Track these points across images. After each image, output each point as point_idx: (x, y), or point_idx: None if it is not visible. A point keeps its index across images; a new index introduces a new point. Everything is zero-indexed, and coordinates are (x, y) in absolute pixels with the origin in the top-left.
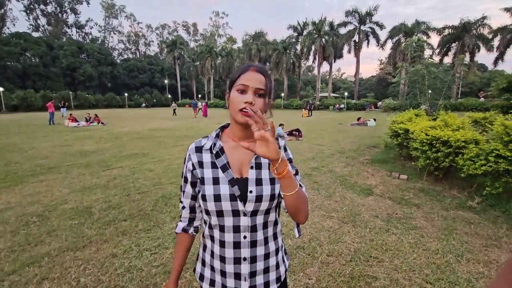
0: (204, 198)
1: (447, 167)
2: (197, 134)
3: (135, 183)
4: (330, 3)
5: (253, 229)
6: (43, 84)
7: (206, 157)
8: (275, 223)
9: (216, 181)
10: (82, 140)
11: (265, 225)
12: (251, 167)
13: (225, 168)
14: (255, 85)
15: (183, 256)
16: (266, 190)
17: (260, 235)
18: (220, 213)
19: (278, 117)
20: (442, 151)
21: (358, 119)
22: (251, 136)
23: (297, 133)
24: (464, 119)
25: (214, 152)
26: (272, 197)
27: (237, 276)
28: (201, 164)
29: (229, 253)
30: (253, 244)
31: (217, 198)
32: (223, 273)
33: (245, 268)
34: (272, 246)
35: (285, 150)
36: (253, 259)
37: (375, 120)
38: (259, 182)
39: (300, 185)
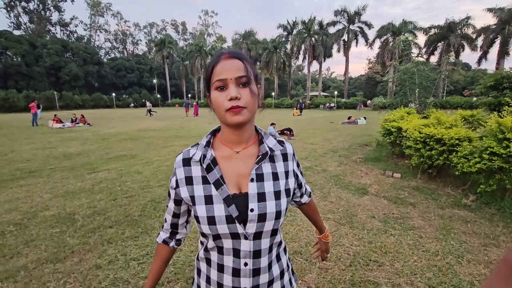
0: (197, 220)
1: (441, 165)
2: (188, 135)
3: (122, 187)
4: (320, 2)
5: (256, 255)
6: (26, 84)
7: (196, 171)
8: (280, 243)
9: (208, 200)
10: (67, 142)
11: (270, 249)
12: (251, 180)
13: (218, 184)
14: (234, 75)
15: (160, 268)
16: (271, 206)
17: (264, 262)
18: (217, 237)
19: (269, 116)
20: (435, 149)
21: (349, 117)
22: (247, 139)
23: (288, 132)
24: (456, 116)
25: (204, 165)
26: (278, 215)
27: None
28: (189, 180)
29: (228, 280)
30: (256, 272)
31: (211, 220)
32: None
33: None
34: (276, 270)
35: (295, 156)
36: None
37: (365, 118)
38: (261, 197)
39: (307, 193)
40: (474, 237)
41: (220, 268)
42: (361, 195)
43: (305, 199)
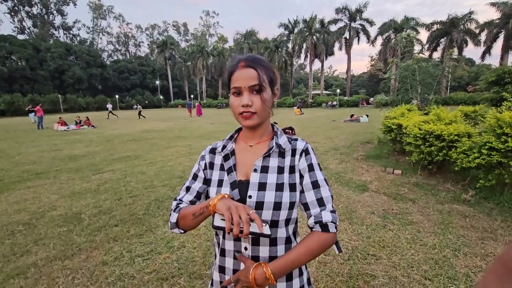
0: None
1: (440, 161)
2: (191, 135)
3: (127, 187)
4: (321, 0)
5: (255, 241)
6: (31, 88)
7: (218, 159)
8: (288, 241)
9: (220, 183)
10: (72, 144)
11: (272, 242)
12: (254, 170)
13: (230, 170)
14: (248, 84)
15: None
16: (270, 196)
17: (264, 251)
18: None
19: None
20: (435, 145)
21: (351, 115)
22: (260, 136)
23: (290, 131)
24: (456, 113)
25: (223, 154)
26: (277, 206)
27: None
28: (211, 165)
29: (229, 263)
30: (256, 260)
31: None
32: (220, 269)
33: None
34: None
35: (307, 153)
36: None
37: (367, 116)
38: (262, 186)
39: (321, 205)
40: (472, 231)
41: (223, 252)
42: (361, 192)
43: (310, 221)
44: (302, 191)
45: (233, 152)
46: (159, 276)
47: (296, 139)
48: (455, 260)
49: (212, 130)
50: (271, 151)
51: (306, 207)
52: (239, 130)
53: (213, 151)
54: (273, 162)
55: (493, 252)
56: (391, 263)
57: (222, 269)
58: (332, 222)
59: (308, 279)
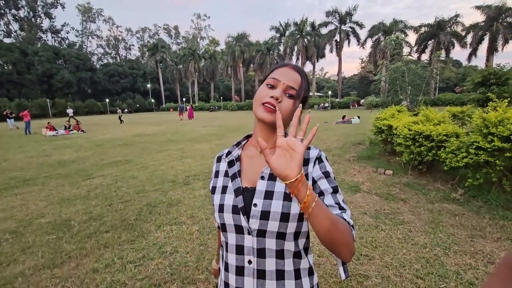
0: (214, 208)
1: (430, 161)
2: (183, 139)
3: (118, 192)
4: (311, 3)
5: (260, 254)
6: (18, 92)
7: (223, 166)
8: (298, 255)
9: (224, 190)
10: (61, 149)
11: (279, 254)
12: (261, 177)
13: (234, 176)
14: (287, 82)
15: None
16: (276, 206)
17: (270, 265)
18: (223, 227)
19: None
20: (425, 146)
21: (343, 117)
22: (273, 142)
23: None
24: (444, 113)
25: (227, 160)
26: (284, 217)
27: None
28: (217, 173)
29: (232, 279)
30: (261, 274)
31: (221, 208)
32: (226, 282)
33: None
34: (291, 286)
35: (320, 161)
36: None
37: (359, 117)
38: (269, 195)
39: (340, 208)
40: (462, 229)
41: (226, 266)
42: (354, 193)
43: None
44: (320, 195)
45: (238, 159)
46: (151, 282)
47: (309, 148)
48: (445, 259)
49: (204, 133)
50: None
51: (320, 194)
52: (248, 137)
53: (219, 159)
54: None
55: (482, 250)
56: (383, 263)
57: (226, 286)
58: (352, 226)
59: (318, 284)
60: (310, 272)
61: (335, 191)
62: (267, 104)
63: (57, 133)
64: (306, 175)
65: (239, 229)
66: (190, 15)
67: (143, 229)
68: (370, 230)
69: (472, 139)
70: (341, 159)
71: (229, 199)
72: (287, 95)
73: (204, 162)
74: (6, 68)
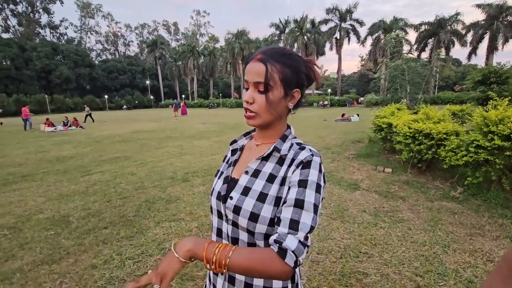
0: None
1: (430, 159)
2: (181, 135)
3: (117, 188)
4: (311, 1)
5: (234, 242)
6: (16, 88)
7: (229, 152)
8: None
9: (220, 175)
10: (60, 145)
11: (251, 246)
12: (245, 172)
13: (230, 165)
14: (252, 79)
15: None
16: (248, 204)
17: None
18: (211, 209)
19: None
20: (424, 144)
21: (342, 115)
22: (269, 137)
23: None
24: (444, 111)
25: (231, 148)
26: (253, 217)
27: None
28: (225, 158)
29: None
30: (232, 281)
31: (212, 191)
32: (209, 278)
33: (220, 284)
34: (259, 280)
35: (306, 167)
36: (231, 280)
37: (358, 115)
38: (245, 191)
39: (291, 227)
40: (461, 228)
41: None
42: (353, 190)
43: (270, 240)
44: (282, 205)
45: (242, 148)
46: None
47: (304, 148)
48: (444, 257)
49: (203, 130)
50: (271, 155)
51: (277, 222)
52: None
53: (231, 144)
54: (268, 167)
55: (481, 248)
56: (382, 260)
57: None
58: (293, 252)
59: (297, 284)
60: (292, 278)
61: (297, 205)
62: (246, 111)
63: (56, 129)
64: (285, 179)
65: (219, 214)
66: (189, 12)
67: (142, 226)
68: (369, 228)
69: (472, 137)
70: (340, 157)
71: (218, 185)
72: (258, 91)
73: (203, 159)
74: (4, 63)
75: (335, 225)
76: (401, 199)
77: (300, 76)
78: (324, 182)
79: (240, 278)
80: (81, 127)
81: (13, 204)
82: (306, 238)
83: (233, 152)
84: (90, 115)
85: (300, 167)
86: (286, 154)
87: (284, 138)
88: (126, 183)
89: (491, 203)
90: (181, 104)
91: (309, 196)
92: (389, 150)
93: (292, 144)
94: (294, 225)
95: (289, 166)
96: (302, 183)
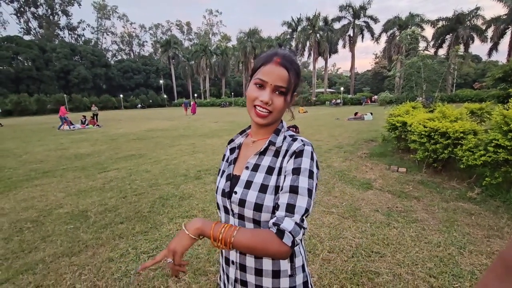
0: None
1: (446, 159)
2: (194, 134)
3: (132, 185)
4: None
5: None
6: (37, 88)
7: (228, 152)
8: None
9: (222, 173)
10: (78, 143)
11: None
12: (246, 167)
13: (230, 163)
14: (275, 82)
15: None
16: (252, 196)
17: (250, 261)
18: (217, 205)
19: None
20: (440, 143)
21: (355, 113)
22: (265, 133)
23: (293, 129)
24: (461, 110)
25: (229, 147)
26: (258, 207)
27: (227, 278)
28: (223, 157)
29: (223, 250)
30: (243, 268)
31: (217, 190)
32: (222, 268)
33: (232, 272)
34: (267, 265)
35: (298, 155)
36: (242, 267)
37: (371, 114)
38: (248, 184)
39: (288, 210)
40: (478, 229)
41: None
42: (365, 190)
43: (269, 223)
44: (279, 191)
45: (240, 146)
46: (164, 272)
47: (296, 139)
48: (460, 258)
49: (216, 129)
50: (267, 149)
51: (276, 208)
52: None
53: (229, 143)
54: (266, 161)
55: (499, 250)
56: (395, 260)
57: (221, 253)
58: (290, 232)
59: (305, 283)
60: (291, 257)
61: (292, 190)
62: (258, 108)
63: (74, 127)
64: (280, 169)
65: (226, 210)
66: (202, 11)
67: (156, 221)
68: (382, 227)
69: (491, 136)
70: (352, 156)
71: (222, 183)
72: (277, 92)
73: (215, 157)
74: (26, 64)
75: (347, 224)
76: (415, 199)
77: (301, 82)
78: (317, 168)
79: (250, 264)
80: (98, 125)
81: (36, 199)
82: (302, 220)
83: (232, 150)
84: (96, 116)
85: (293, 156)
86: (281, 146)
87: (277, 132)
88: (141, 180)
89: (510, 205)
90: (191, 103)
91: (303, 182)
92: (404, 149)
93: (285, 137)
94: (290, 208)
95: (284, 157)
96: (296, 171)
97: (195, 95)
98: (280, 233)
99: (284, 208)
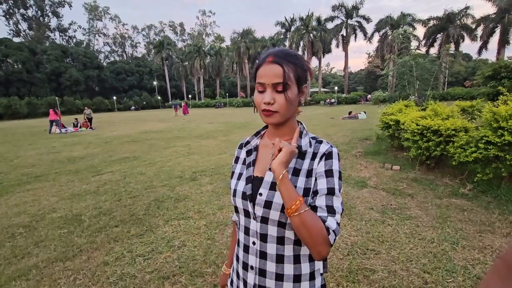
0: (231, 191)
1: (438, 156)
2: (189, 135)
3: (126, 188)
4: None
5: (263, 238)
6: (28, 91)
7: (242, 153)
8: (298, 243)
9: (239, 176)
10: (71, 146)
11: (280, 240)
12: (270, 169)
13: (249, 165)
14: (271, 81)
15: (235, 242)
16: (278, 197)
17: (271, 249)
18: (236, 209)
19: None
20: (433, 140)
21: (350, 112)
22: (284, 134)
23: None
24: (453, 108)
25: (246, 149)
26: (284, 208)
27: (245, 284)
28: (237, 159)
29: (241, 254)
30: (262, 255)
31: (234, 193)
32: (237, 274)
33: (251, 278)
34: (289, 269)
35: (328, 157)
36: (262, 272)
37: (365, 113)
38: (273, 186)
39: (329, 212)
40: (470, 225)
41: (238, 242)
42: (360, 188)
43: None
44: (314, 195)
45: (256, 148)
46: (160, 275)
47: (321, 141)
48: (453, 253)
49: (211, 130)
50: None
51: (313, 210)
52: (266, 127)
53: (241, 146)
54: (292, 163)
55: (490, 245)
56: (390, 257)
57: (237, 258)
58: (333, 231)
59: (323, 286)
60: (311, 258)
61: (330, 192)
62: (265, 111)
63: (66, 130)
64: (311, 171)
65: (247, 213)
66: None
67: (151, 224)
68: (377, 225)
69: (481, 133)
70: (347, 155)
71: (241, 186)
72: (277, 90)
73: (211, 158)
74: (16, 67)
75: (342, 222)
76: (409, 196)
77: (305, 73)
78: None
79: (271, 269)
80: (91, 128)
81: (28, 204)
82: (339, 219)
83: (249, 152)
84: (90, 119)
85: (324, 158)
86: (306, 150)
87: (301, 134)
88: (135, 183)
89: (501, 200)
90: (182, 104)
91: (333, 183)
92: (397, 147)
93: (310, 140)
94: (331, 210)
95: (312, 159)
96: (329, 173)
97: (190, 96)
98: (326, 230)
99: (325, 209)
